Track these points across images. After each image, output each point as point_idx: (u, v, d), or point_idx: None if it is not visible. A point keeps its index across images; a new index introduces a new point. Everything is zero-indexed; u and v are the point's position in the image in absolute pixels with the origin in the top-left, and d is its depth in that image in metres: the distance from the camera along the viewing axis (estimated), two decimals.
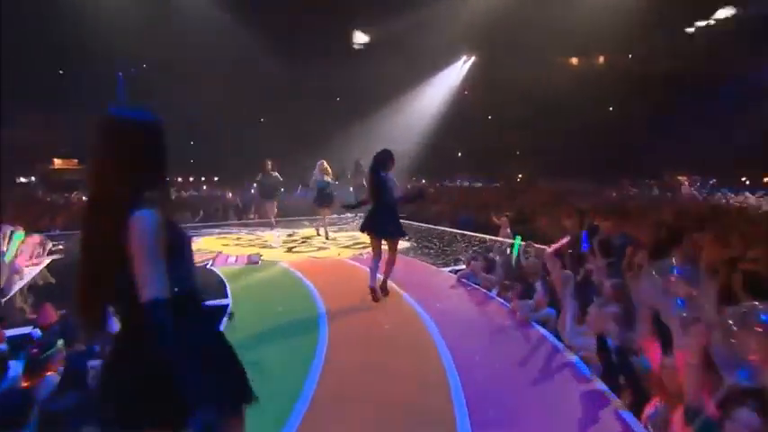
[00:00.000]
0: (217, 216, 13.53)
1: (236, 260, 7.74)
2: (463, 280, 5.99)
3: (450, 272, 6.62)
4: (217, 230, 11.42)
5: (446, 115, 24.17)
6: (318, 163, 9.71)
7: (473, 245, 8.56)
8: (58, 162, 22.22)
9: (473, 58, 24.88)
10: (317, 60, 19.80)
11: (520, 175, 22.92)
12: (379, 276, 5.13)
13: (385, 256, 5.08)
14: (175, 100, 16.05)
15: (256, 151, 14.14)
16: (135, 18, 16.11)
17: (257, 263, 7.47)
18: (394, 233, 5.05)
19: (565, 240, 4.84)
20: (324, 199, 9.55)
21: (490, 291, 5.52)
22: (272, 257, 7.89)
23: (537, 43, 18.72)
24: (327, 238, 9.54)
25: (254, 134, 20.55)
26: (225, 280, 6.23)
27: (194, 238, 8.26)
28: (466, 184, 23.14)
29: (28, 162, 20.68)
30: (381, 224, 4.97)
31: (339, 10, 19.17)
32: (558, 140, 20.45)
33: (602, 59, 23.63)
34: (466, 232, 9.74)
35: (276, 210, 11.32)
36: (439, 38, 19.59)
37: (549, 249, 4.60)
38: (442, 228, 10.75)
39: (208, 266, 7.17)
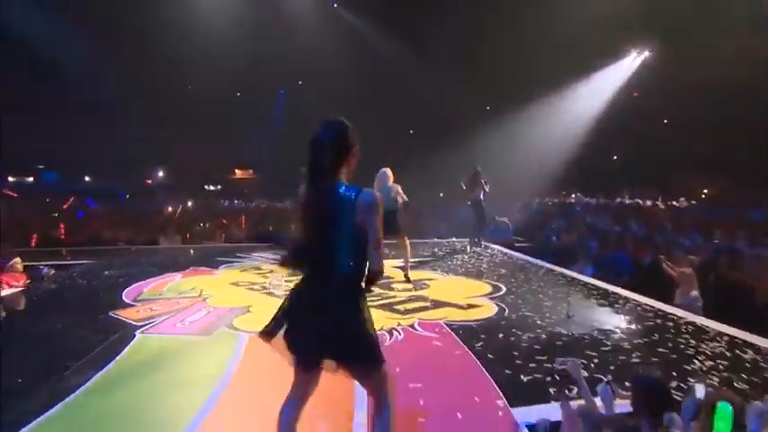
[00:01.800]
0: None
1: (186, 324, 4.44)
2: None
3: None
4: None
5: (606, 120, 20.57)
6: (380, 173, 6.19)
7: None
8: (238, 172, 24.60)
9: (646, 53, 20.91)
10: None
11: (705, 191, 18.04)
12: None
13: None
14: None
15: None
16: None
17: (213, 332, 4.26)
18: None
19: None
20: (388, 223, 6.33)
21: None
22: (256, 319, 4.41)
23: (731, 35, 14.22)
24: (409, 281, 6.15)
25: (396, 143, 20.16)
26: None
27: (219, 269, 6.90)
28: (630, 201, 18.81)
29: (214, 172, 23.68)
30: None
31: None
32: (751, 148, 15.32)
33: None
34: (610, 287, 5.90)
35: None
36: (599, 29, 16.36)
37: None
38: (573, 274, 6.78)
39: (138, 332, 4.17)
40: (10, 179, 28.83)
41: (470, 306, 4.97)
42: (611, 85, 21.29)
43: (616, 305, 5.12)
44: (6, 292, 5.93)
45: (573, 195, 21.29)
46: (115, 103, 18.12)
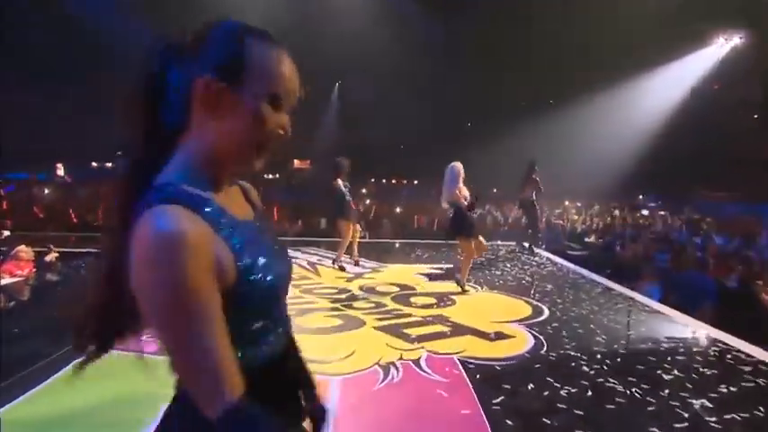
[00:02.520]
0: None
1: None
2: None
3: None
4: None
5: (683, 114, 18.48)
6: (450, 167, 5.34)
7: None
8: (297, 162, 24.98)
9: (736, 40, 18.54)
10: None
11: None
12: None
13: None
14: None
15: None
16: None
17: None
18: None
19: None
20: (459, 225, 5.32)
21: None
22: None
23: None
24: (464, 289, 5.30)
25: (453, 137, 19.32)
26: None
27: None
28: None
29: (276, 162, 24.53)
30: None
31: None
32: None
33: None
34: (686, 319, 4.63)
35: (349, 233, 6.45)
36: (671, 14, 14.51)
37: None
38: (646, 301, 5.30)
39: None
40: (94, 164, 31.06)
41: (499, 336, 3.93)
42: (691, 76, 19.04)
43: (696, 348, 3.87)
44: (6, 281, 5.61)
45: (639, 197, 19.30)
46: None
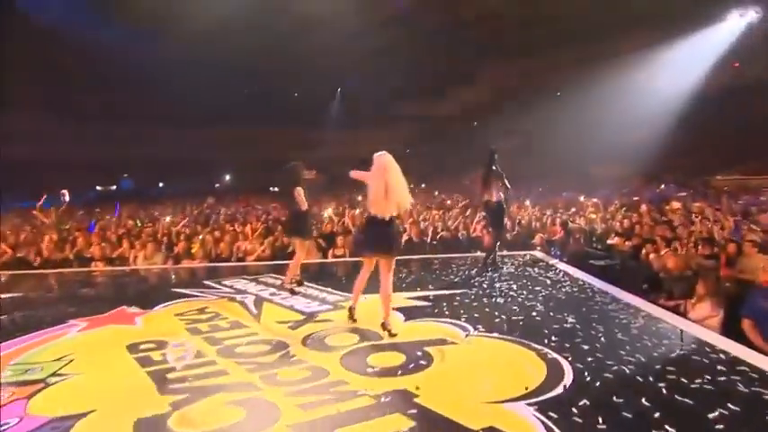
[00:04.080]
0: None
1: None
2: None
3: None
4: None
5: (698, 96, 16.84)
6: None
7: None
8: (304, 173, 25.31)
9: (753, 13, 17.15)
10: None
11: None
12: None
13: None
14: None
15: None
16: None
17: None
18: None
19: None
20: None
21: None
22: None
23: None
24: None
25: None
26: None
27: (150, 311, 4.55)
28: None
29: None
30: None
31: None
32: None
33: None
34: None
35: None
36: None
37: None
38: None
39: None
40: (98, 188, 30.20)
41: None
42: (710, 53, 17.25)
43: None
44: None
45: (662, 186, 17.53)
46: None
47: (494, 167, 6.10)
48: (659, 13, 14.77)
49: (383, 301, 3.87)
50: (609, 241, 7.74)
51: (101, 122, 20.45)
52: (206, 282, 5.91)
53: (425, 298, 4.83)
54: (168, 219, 9.90)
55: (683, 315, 4.40)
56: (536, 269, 6.19)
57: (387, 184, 3.77)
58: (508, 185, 6.17)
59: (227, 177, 31.76)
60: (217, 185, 29.48)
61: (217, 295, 5.27)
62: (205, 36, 15.90)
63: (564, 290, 5.10)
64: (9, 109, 16.01)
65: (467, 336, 3.75)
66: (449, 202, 14.27)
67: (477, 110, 21.79)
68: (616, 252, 7.16)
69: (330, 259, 7.33)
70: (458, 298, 4.82)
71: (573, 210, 10.59)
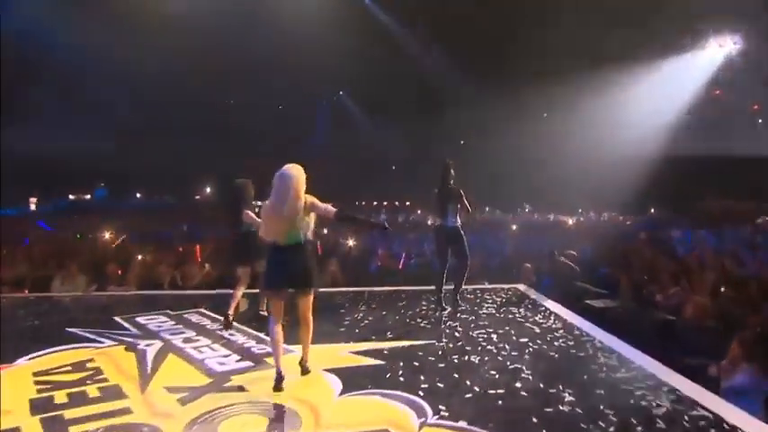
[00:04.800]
0: None
1: None
2: None
3: None
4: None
5: (681, 127, 16.29)
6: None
7: None
8: None
9: (736, 42, 16.82)
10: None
11: None
12: None
13: None
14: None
15: None
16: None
17: None
18: None
19: None
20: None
21: None
22: None
23: None
24: None
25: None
26: None
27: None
28: None
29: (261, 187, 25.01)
30: None
31: None
32: None
33: None
34: None
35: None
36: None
37: None
38: None
39: None
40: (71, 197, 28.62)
41: None
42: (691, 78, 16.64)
43: None
44: None
45: (651, 210, 16.75)
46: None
47: (449, 184, 4.99)
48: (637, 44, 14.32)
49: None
50: (602, 269, 6.74)
51: (77, 129, 19.27)
52: (116, 318, 4.71)
53: (379, 352, 3.69)
54: (107, 235, 8.62)
55: (714, 381, 3.34)
56: (521, 309, 5.08)
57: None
58: (469, 208, 5.00)
59: (208, 190, 30.62)
60: (197, 197, 28.29)
61: (117, 339, 4.08)
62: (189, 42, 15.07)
63: (556, 343, 3.98)
64: None
65: (421, 425, 2.61)
66: (429, 222, 13.21)
67: (464, 128, 21.05)
68: (610, 282, 6.11)
69: None
70: (420, 353, 3.68)
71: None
